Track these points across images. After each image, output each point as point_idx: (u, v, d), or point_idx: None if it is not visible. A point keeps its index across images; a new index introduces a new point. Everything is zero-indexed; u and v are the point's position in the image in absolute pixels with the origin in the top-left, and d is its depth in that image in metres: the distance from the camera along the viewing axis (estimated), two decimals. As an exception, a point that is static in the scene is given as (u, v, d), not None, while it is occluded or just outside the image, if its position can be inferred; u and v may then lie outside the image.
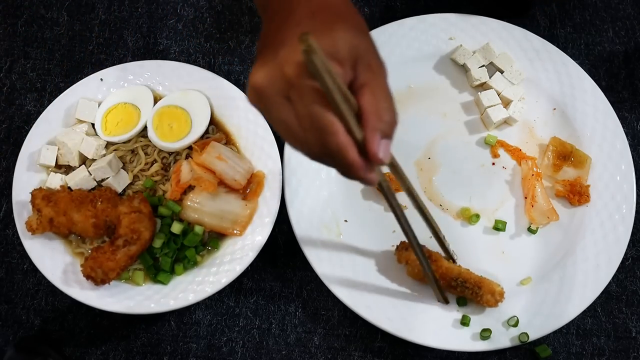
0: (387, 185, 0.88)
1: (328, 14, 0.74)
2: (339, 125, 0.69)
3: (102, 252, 1.03)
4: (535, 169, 1.15)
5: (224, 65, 1.26)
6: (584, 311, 1.08)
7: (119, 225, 1.04)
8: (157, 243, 1.07)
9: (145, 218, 1.05)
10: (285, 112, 0.71)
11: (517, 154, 1.18)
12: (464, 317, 1.07)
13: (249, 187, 1.12)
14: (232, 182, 1.10)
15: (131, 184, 1.13)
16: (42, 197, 1.05)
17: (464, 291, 1.05)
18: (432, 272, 1.04)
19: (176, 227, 1.08)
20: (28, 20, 1.29)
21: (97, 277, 1.01)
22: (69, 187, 1.11)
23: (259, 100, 0.72)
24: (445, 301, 1.08)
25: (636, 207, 1.13)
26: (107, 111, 1.15)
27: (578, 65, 1.20)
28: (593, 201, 1.14)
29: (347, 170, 0.73)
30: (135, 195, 1.08)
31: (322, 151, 0.71)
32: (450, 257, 1.10)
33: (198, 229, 1.09)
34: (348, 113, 0.69)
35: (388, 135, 0.73)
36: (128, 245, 1.03)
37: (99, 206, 1.06)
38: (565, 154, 1.15)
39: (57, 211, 1.04)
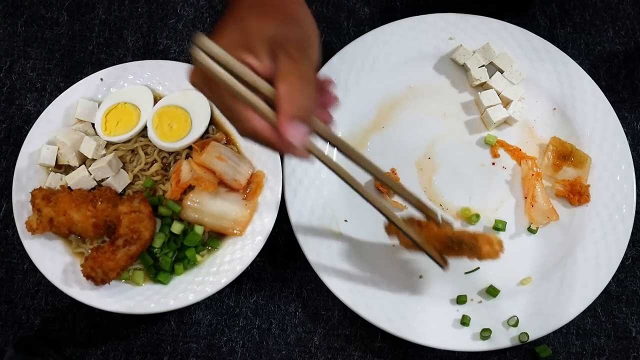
0: (329, 159, 0.87)
1: (263, 6, 0.80)
2: (250, 112, 0.78)
3: (102, 252, 1.03)
4: (535, 169, 1.15)
5: (224, 65, 1.26)
6: (584, 311, 1.08)
7: (119, 225, 1.04)
8: (157, 243, 1.07)
9: (146, 218, 1.05)
10: (212, 100, 0.81)
11: (517, 154, 1.18)
12: (464, 317, 1.08)
13: (249, 187, 1.12)
14: (232, 182, 1.10)
15: (131, 183, 1.13)
16: (42, 197, 1.05)
17: (462, 249, 0.98)
18: (416, 240, 0.98)
19: (176, 227, 1.08)
20: (28, 20, 1.29)
21: (97, 277, 1.01)
22: (69, 187, 1.11)
23: (197, 79, 0.82)
24: (445, 263, 1.01)
25: (636, 207, 1.13)
26: (107, 111, 1.15)
27: (578, 65, 1.20)
28: (593, 201, 1.14)
29: (272, 148, 0.81)
30: (135, 195, 1.08)
31: (244, 134, 0.81)
32: (430, 217, 1.01)
33: (198, 228, 1.09)
34: (256, 100, 0.77)
35: (302, 119, 0.78)
36: (128, 245, 1.03)
37: (99, 206, 1.06)
38: (565, 154, 1.15)
39: (57, 211, 1.04)
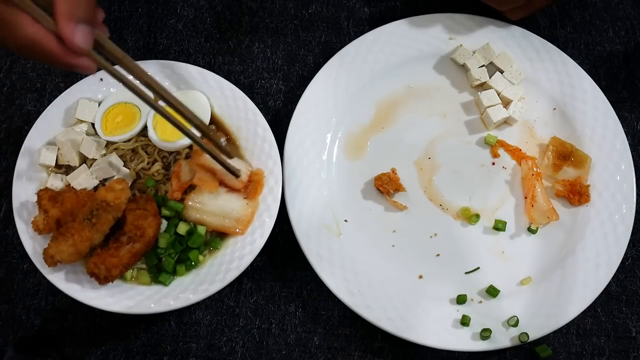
0: (116, 71, 0.83)
1: None
2: (24, 17, 0.70)
3: (105, 249, 1.03)
4: (535, 169, 1.15)
5: (224, 65, 1.26)
6: (584, 311, 1.08)
7: (124, 222, 1.04)
8: (162, 243, 1.07)
9: (150, 215, 1.04)
10: None
11: (517, 154, 1.18)
12: (464, 317, 1.08)
13: (249, 186, 1.12)
14: (233, 180, 1.10)
15: (134, 181, 1.13)
16: (48, 197, 1.05)
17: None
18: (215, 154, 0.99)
19: (182, 228, 1.08)
20: (28, 20, 1.29)
21: (100, 273, 1.01)
22: (72, 187, 1.11)
23: None
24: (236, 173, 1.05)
25: (636, 207, 1.13)
26: (107, 111, 1.15)
27: (578, 65, 1.21)
28: (593, 201, 1.14)
29: (52, 61, 0.73)
30: (142, 196, 1.08)
31: (19, 45, 0.72)
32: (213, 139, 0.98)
33: (201, 229, 1.09)
34: (28, 4, 0.70)
35: (85, 20, 0.72)
36: (132, 243, 1.03)
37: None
38: (565, 154, 1.15)
39: (63, 212, 1.04)
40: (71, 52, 0.73)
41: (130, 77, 0.84)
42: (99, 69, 0.79)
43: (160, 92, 0.87)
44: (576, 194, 1.14)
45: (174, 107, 0.89)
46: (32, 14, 0.71)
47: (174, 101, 0.88)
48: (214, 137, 0.96)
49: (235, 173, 1.06)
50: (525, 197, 1.15)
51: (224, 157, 1.01)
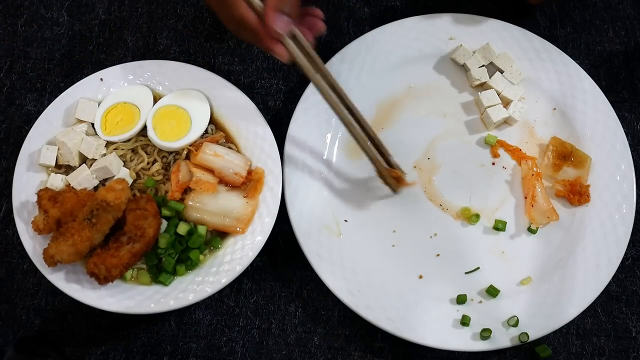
0: (301, 60, 0.99)
1: None
2: (241, 1, 0.90)
3: (106, 249, 1.03)
4: (535, 169, 1.15)
5: (224, 65, 1.26)
6: (584, 311, 1.08)
7: (124, 222, 1.04)
8: (163, 243, 1.07)
9: (150, 216, 1.04)
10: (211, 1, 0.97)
11: (517, 154, 1.18)
12: (464, 317, 1.08)
13: (250, 184, 1.12)
14: (232, 176, 1.11)
15: (134, 181, 1.13)
16: (48, 197, 1.05)
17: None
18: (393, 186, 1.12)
19: (182, 228, 1.08)
20: (28, 20, 1.29)
21: (100, 273, 1.01)
22: (72, 187, 1.11)
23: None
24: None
25: (636, 207, 1.13)
26: (107, 111, 1.15)
27: (578, 65, 1.21)
28: (593, 201, 1.14)
29: (256, 41, 0.93)
30: (142, 196, 1.08)
31: (233, 23, 0.93)
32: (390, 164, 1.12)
33: (201, 229, 1.08)
34: None
35: (287, 13, 0.91)
36: (132, 243, 1.03)
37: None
38: (565, 154, 1.15)
39: (64, 212, 1.04)
40: (271, 36, 0.91)
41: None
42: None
43: (348, 103, 1.04)
44: (576, 194, 1.14)
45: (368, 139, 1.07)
46: (249, 3, 0.90)
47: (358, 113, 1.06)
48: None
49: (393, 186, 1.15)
50: (525, 197, 1.15)
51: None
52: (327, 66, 1.19)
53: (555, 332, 1.10)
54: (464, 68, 1.23)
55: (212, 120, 1.17)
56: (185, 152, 1.14)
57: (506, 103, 1.20)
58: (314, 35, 0.99)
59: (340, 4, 1.31)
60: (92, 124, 1.16)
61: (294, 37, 0.96)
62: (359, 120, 1.06)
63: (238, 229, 1.09)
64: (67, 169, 1.13)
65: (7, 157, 1.20)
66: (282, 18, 0.90)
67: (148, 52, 1.28)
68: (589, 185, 1.15)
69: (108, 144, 1.15)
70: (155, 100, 1.17)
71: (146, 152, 1.15)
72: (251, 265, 1.08)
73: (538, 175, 1.15)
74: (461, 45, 1.22)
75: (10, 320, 1.12)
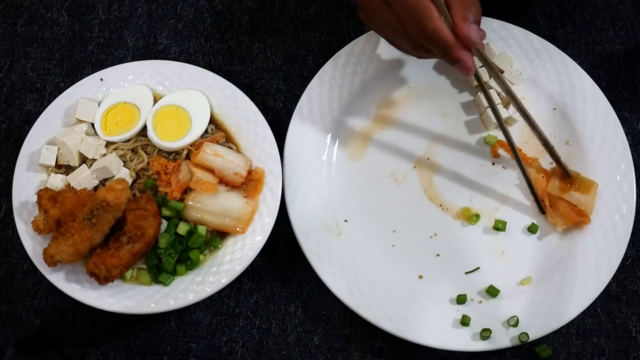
0: (481, 78, 1.05)
1: None
2: (434, 10, 0.89)
3: (105, 249, 1.03)
4: (541, 170, 1.14)
5: (224, 65, 1.26)
6: (584, 311, 1.08)
7: (124, 222, 1.04)
8: (163, 243, 1.07)
9: (150, 216, 1.04)
10: (386, 14, 0.93)
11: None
12: (464, 317, 1.08)
13: (250, 184, 1.12)
14: (232, 176, 1.11)
15: (134, 181, 1.13)
16: (48, 197, 1.05)
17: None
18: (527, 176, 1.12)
19: (182, 228, 1.08)
20: (28, 20, 1.29)
21: (100, 273, 1.01)
22: (72, 187, 1.11)
23: (366, 16, 0.97)
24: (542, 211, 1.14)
25: (636, 207, 1.13)
26: (107, 111, 1.15)
27: (578, 65, 1.20)
28: (593, 201, 1.14)
29: (445, 50, 0.91)
30: (142, 196, 1.08)
31: (422, 36, 0.90)
32: (563, 167, 1.12)
33: (201, 229, 1.08)
34: (441, 3, 0.90)
35: (475, 20, 0.91)
36: (132, 243, 1.03)
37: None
38: (570, 182, 1.14)
39: (64, 212, 1.04)
40: (461, 45, 0.90)
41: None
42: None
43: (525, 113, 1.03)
44: (575, 214, 1.13)
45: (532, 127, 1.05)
46: (439, 8, 0.89)
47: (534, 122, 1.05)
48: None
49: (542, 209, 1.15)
50: (543, 201, 1.14)
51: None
52: (327, 66, 1.19)
53: (555, 332, 1.10)
54: (464, 68, 1.23)
55: (212, 120, 1.17)
56: (185, 152, 1.14)
57: (506, 103, 1.20)
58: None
59: (340, 4, 1.31)
60: (92, 124, 1.16)
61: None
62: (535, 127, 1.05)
63: (238, 229, 1.09)
64: (67, 169, 1.13)
65: (7, 157, 1.20)
66: (474, 27, 0.91)
67: (148, 52, 1.28)
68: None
69: (108, 144, 1.15)
70: (155, 100, 1.17)
71: (146, 152, 1.15)
72: (251, 265, 1.08)
73: (546, 175, 1.15)
74: (461, 45, 1.22)
75: (10, 320, 1.12)
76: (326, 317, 1.12)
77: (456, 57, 0.91)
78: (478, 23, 0.92)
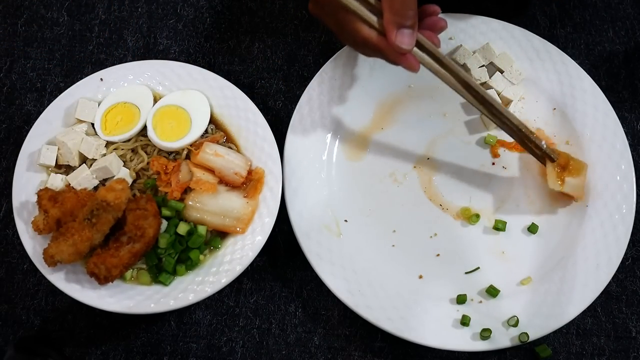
0: (432, 65, 1.00)
1: None
2: (359, 24, 0.91)
3: (106, 249, 1.03)
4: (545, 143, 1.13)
5: (224, 65, 1.26)
6: (584, 311, 1.08)
7: (124, 222, 1.04)
8: (163, 243, 1.07)
9: (150, 216, 1.04)
10: (328, 22, 0.97)
11: (518, 147, 1.17)
12: (464, 317, 1.08)
13: (250, 184, 1.12)
14: (232, 176, 1.11)
15: (134, 181, 1.13)
16: (48, 197, 1.05)
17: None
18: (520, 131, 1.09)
19: (182, 228, 1.08)
20: (28, 20, 1.29)
21: (100, 273, 1.01)
22: (72, 187, 1.11)
23: (316, 10, 0.99)
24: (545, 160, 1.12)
25: (636, 207, 1.13)
26: (107, 111, 1.15)
27: (578, 65, 1.20)
28: (593, 201, 1.14)
29: (383, 57, 0.93)
30: (142, 196, 1.08)
31: (357, 45, 0.94)
32: (547, 154, 1.11)
33: (201, 229, 1.08)
34: (365, 13, 0.91)
35: (405, 26, 0.89)
36: (132, 243, 1.03)
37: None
38: (563, 165, 1.13)
39: (64, 212, 1.04)
40: (396, 52, 0.91)
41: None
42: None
43: (483, 94, 1.03)
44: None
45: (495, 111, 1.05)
46: (365, 22, 0.91)
47: (497, 105, 1.05)
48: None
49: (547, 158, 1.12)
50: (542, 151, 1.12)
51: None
52: (327, 66, 1.19)
53: (555, 332, 1.10)
54: (464, 68, 1.23)
55: (212, 120, 1.17)
56: (185, 152, 1.14)
57: (506, 103, 1.20)
58: (437, 34, 0.97)
59: (340, 4, 1.31)
60: (92, 124, 1.16)
61: (418, 43, 0.95)
62: (501, 113, 1.05)
63: (238, 229, 1.09)
64: (67, 169, 1.13)
65: (7, 157, 1.20)
66: (404, 33, 0.90)
67: (148, 52, 1.28)
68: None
69: (108, 144, 1.15)
70: (155, 100, 1.17)
71: (146, 152, 1.15)
72: (251, 265, 1.08)
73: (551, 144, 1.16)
74: (461, 45, 1.22)
75: (10, 320, 1.12)
76: (326, 317, 1.12)
77: (394, 61, 0.93)
78: (414, 26, 0.91)
